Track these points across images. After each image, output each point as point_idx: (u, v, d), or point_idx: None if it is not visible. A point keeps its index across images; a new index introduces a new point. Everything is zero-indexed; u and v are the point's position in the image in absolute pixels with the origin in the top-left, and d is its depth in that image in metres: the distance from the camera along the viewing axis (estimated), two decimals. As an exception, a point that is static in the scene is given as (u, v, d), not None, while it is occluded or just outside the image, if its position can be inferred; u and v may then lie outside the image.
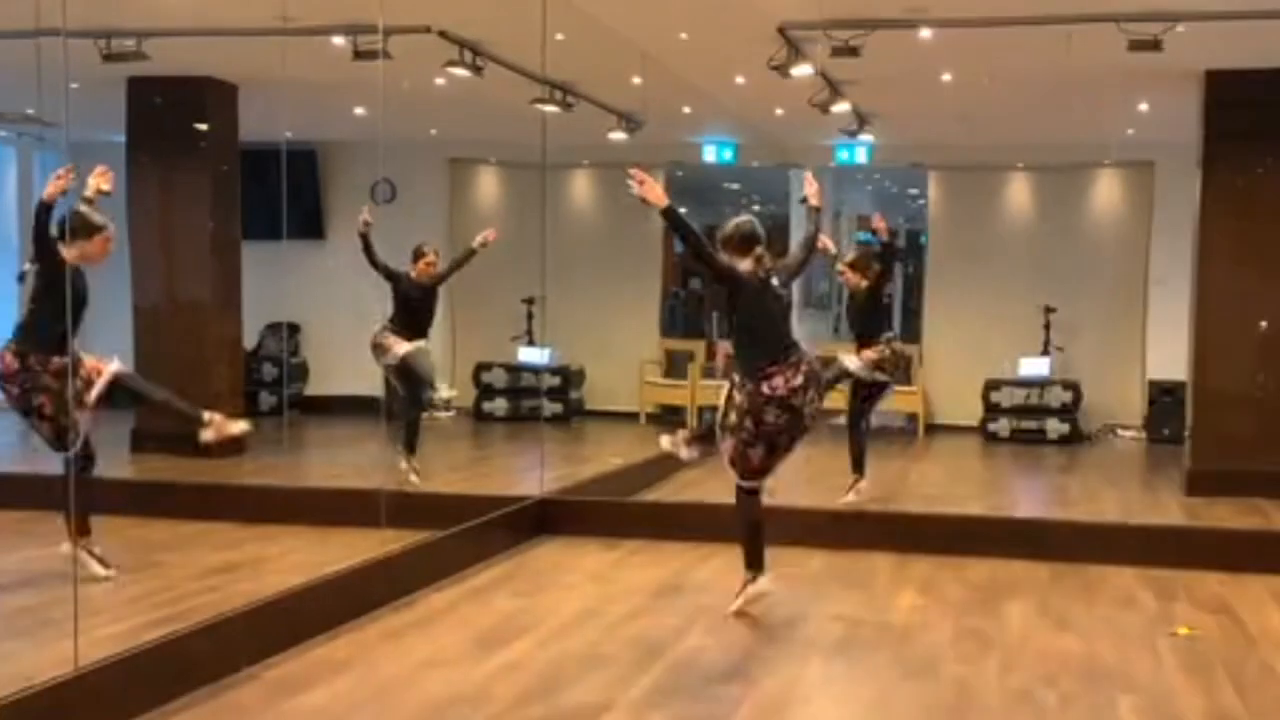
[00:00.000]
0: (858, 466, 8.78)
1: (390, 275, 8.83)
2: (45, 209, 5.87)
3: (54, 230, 5.99)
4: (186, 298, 9.68)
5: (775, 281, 5.90)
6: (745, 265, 5.86)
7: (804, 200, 6.39)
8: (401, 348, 8.75)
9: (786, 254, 6.71)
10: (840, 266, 9.01)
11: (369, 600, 6.00)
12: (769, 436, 5.84)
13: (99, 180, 6.32)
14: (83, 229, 6.10)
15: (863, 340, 8.72)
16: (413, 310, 8.89)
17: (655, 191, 5.56)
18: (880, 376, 8.67)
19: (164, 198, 10.17)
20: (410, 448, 8.86)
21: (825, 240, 8.52)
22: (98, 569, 6.12)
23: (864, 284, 8.76)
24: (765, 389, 5.76)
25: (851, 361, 8.63)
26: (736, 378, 5.96)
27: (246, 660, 5.08)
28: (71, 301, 5.82)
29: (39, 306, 6.03)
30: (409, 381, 8.86)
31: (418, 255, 8.96)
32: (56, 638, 4.74)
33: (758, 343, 5.89)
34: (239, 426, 6.34)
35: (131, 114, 10.01)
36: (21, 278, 6.10)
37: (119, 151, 10.21)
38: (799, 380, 5.79)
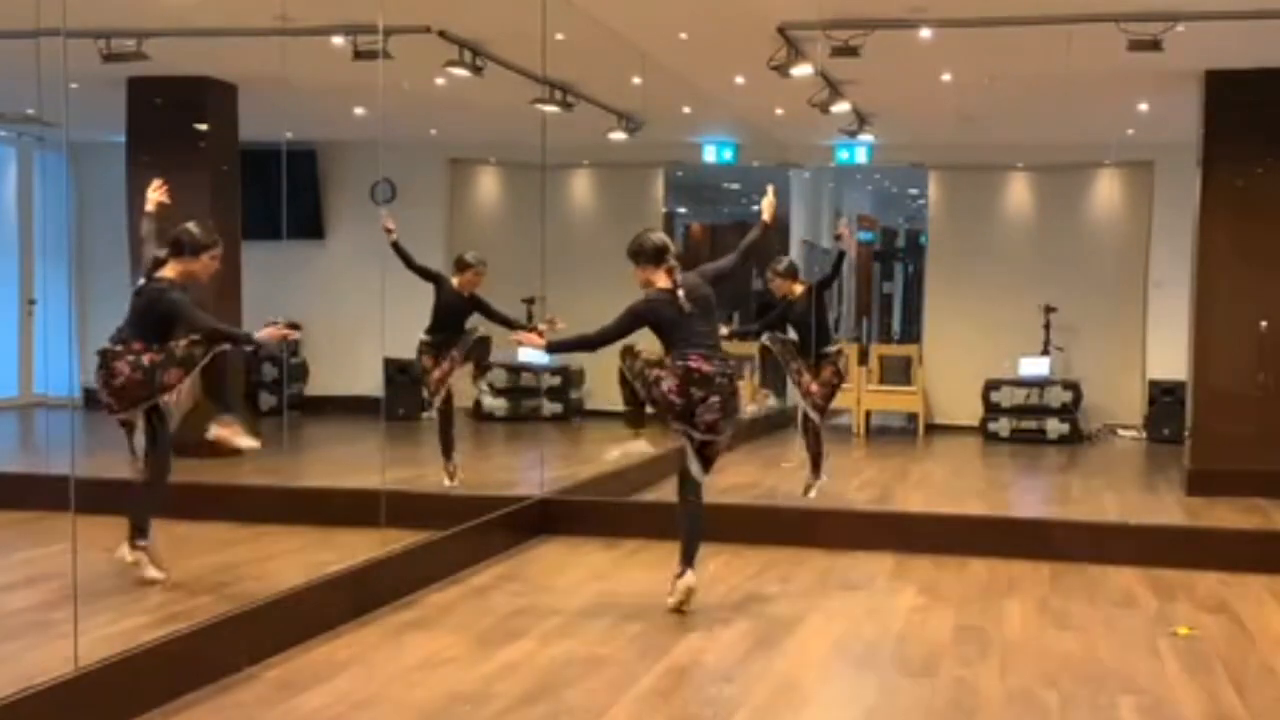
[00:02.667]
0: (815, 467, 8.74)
1: (432, 277, 8.72)
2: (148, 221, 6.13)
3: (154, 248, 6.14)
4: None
5: (681, 295, 5.94)
6: (658, 277, 6.00)
7: (767, 222, 6.52)
8: (453, 378, 8.79)
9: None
10: (769, 274, 8.94)
11: (369, 600, 6.01)
12: (688, 402, 5.91)
13: (158, 194, 6.34)
14: (190, 246, 6.08)
15: (815, 353, 8.65)
16: (453, 318, 8.79)
17: (535, 341, 6.29)
18: (814, 414, 8.62)
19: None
20: (448, 453, 8.87)
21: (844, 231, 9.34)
22: (154, 572, 6.11)
23: (797, 289, 8.70)
24: (678, 362, 5.92)
25: (803, 403, 8.67)
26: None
27: (246, 660, 5.08)
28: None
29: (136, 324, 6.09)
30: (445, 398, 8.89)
31: (463, 266, 8.76)
32: (56, 638, 4.74)
33: (675, 344, 6.01)
34: (247, 441, 6.30)
35: (131, 114, 10.00)
36: (139, 291, 6.09)
37: (119, 151, 10.22)
38: (711, 368, 5.90)
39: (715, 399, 5.91)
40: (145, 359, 5.99)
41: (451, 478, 8.75)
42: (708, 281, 6.19)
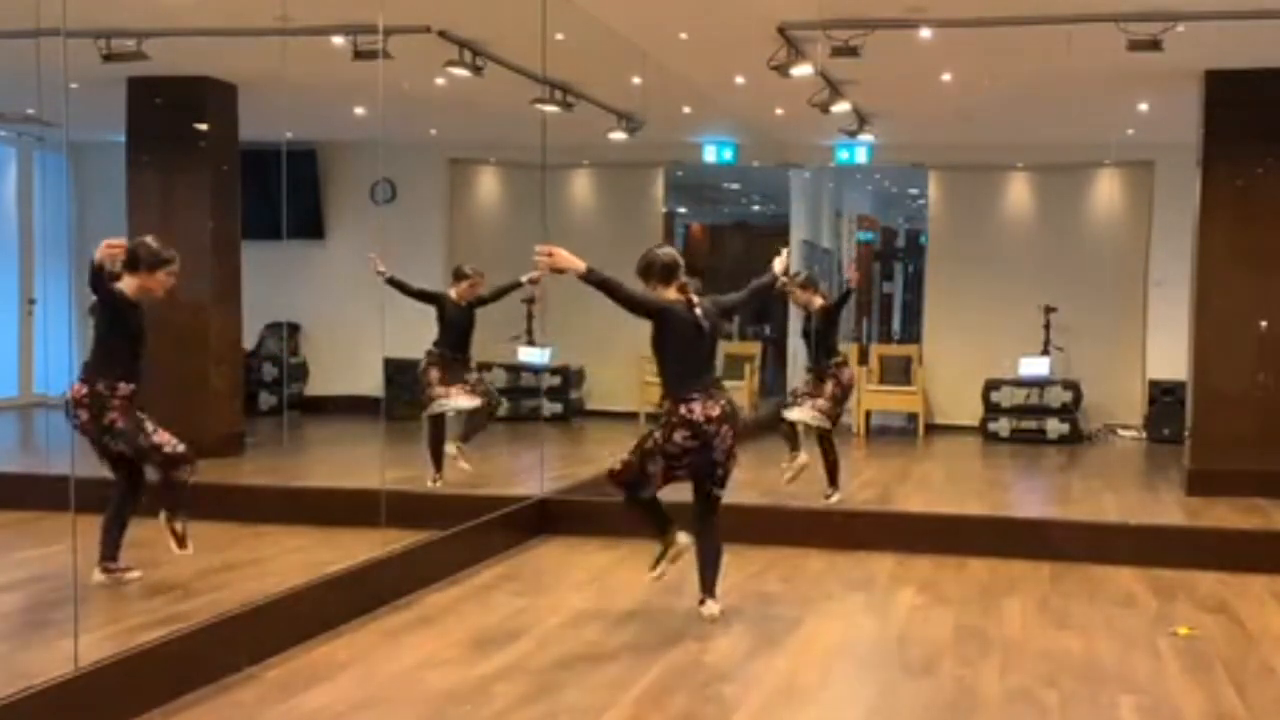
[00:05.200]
0: (832, 478, 8.81)
1: (431, 299, 8.94)
2: (97, 273, 5.78)
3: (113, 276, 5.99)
4: (186, 298, 9.65)
5: (699, 313, 5.86)
6: (670, 295, 5.86)
7: (777, 275, 6.46)
8: (460, 401, 8.92)
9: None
10: (790, 288, 8.96)
11: (369, 600, 6.01)
12: (672, 456, 5.84)
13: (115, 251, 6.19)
14: (146, 261, 6.00)
15: (816, 367, 8.88)
16: (458, 330, 8.99)
17: (569, 260, 5.54)
18: (825, 424, 8.76)
19: (164, 198, 10.16)
20: (465, 438, 9.04)
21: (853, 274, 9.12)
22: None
23: (817, 301, 8.93)
24: (683, 409, 5.77)
25: (802, 413, 8.78)
26: (661, 406, 5.99)
27: (247, 660, 5.09)
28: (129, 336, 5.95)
29: (102, 342, 6.01)
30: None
31: (460, 276, 8.99)
32: (56, 638, 4.75)
33: (682, 372, 5.87)
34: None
35: (131, 114, 10.00)
36: (92, 310, 5.99)
37: (119, 151, 10.22)
38: (715, 411, 5.79)
39: (726, 427, 5.83)
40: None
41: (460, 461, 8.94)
42: (720, 314, 6.12)
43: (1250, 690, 5.08)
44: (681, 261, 6.01)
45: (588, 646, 5.54)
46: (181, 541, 6.12)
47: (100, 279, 5.78)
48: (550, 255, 5.53)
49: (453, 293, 8.95)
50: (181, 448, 6.09)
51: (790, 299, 9.27)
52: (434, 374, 8.91)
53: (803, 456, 8.87)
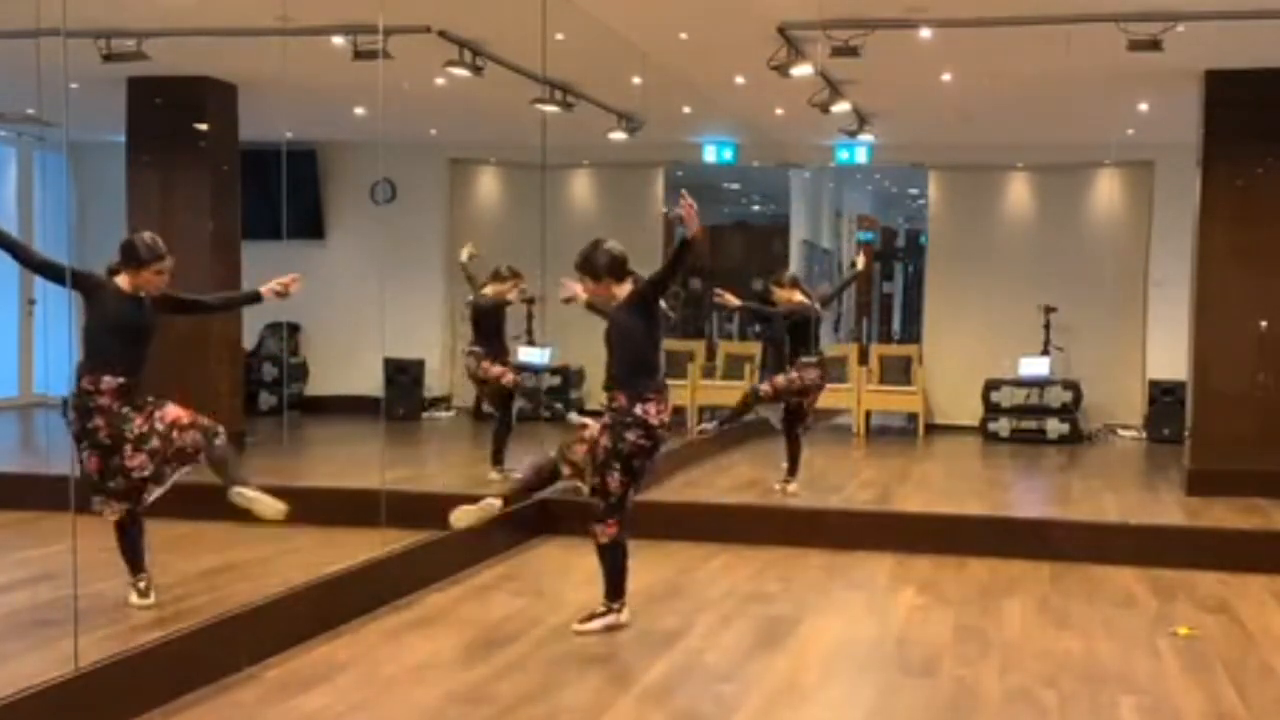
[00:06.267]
0: (793, 468, 9.03)
1: (471, 306, 9.21)
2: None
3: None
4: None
5: (664, 305, 5.86)
6: (624, 290, 5.71)
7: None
8: (508, 376, 9.11)
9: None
10: (771, 285, 9.33)
11: (369, 600, 6.01)
12: (627, 458, 5.61)
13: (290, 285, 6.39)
14: (134, 258, 5.86)
15: (792, 357, 9.06)
16: (493, 326, 9.13)
17: (697, 223, 5.46)
18: (764, 411, 9.10)
19: (164, 198, 10.17)
20: (498, 460, 9.07)
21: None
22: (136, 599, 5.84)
23: (797, 297, 9.05)
24: (639, 409, 5.57)
25: (763, 387, 9.11)
26: (612, 400, 5.68)
27: (246, 660, 5.09)
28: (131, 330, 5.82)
29: (85, 335, 5.86)
30: (504, 403, 9.20)
31: (499, 278, 9.10)
32: (56, 638, 4.75)
33: (646, 364, 5.72)
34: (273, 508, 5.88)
35: (131, 114, 10.01)
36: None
37: (119, 151, 10.23)
38: (666, 417, 5.69)
39: (668, 431, 5.80)
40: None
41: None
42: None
43: (1250, 690, 5.09)
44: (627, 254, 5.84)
45: (588, 646, 5.54)
46: (143, 592, 5.77)
47: (70, 274, 5.64)
48: (692, 207, 5.39)
49: (488, 290, 9.06)
50: (147, 473, 5.72)
51: (773, 298, 9.26)
52: (486, 363, 9.02)
53: (793, 486, 9.01)
